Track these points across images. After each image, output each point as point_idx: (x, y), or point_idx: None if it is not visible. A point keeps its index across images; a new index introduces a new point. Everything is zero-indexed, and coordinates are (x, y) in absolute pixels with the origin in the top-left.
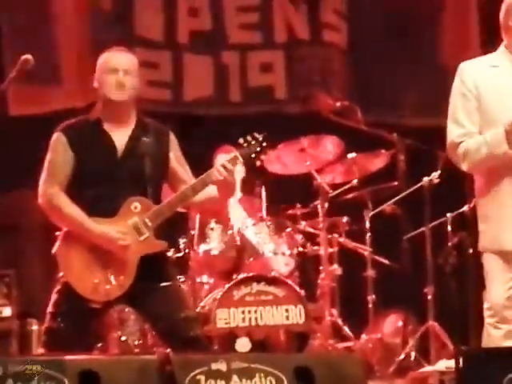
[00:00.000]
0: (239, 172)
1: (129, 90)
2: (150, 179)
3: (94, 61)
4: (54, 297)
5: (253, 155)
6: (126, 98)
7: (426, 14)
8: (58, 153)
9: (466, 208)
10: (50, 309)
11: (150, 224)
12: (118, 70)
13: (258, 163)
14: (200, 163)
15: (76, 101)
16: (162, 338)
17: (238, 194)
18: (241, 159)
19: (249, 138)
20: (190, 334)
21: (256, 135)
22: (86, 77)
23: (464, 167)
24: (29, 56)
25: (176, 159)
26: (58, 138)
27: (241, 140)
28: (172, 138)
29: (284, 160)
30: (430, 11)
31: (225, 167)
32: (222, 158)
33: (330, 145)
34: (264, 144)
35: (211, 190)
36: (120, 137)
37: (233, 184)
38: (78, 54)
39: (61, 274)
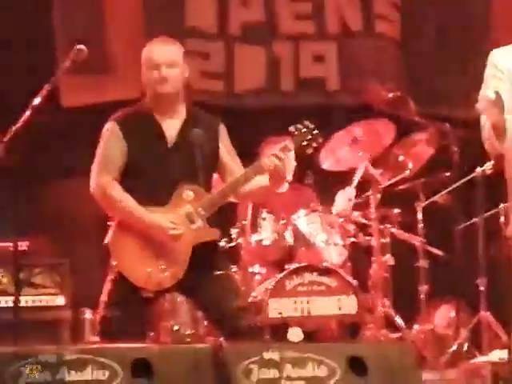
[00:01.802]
0: (290, 161)
1: (173, 83)
2: (201, 169)
3: None
4: (107, 286)
5: (304, 143)
6: (170, 91)
7: (478, 5)
8: (111, 142)
9: None
10: (103, 298)
11: (202, 213)
12: (160, 64)
13: (310, 151)
14: (250, 153)
15: (128, 91)
16: (215, 326)
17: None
18: (291, 147)
19: (300, 126)
20: (242, 324)
21: (307, 123)
22: (138, 67)
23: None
24: (82, 46)
25: (226, 150)
26: (111, 128)
27: (292, 128)
28: (222, 128)
29: (337, 153)
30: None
31: (276, 156)
32: (268, 151)
33: (382, 129)
34: (315, 132)
35: (262, 180)
36: (171, 127)
37: (284, 173)
38: (130, 44)
39: (114, 263)
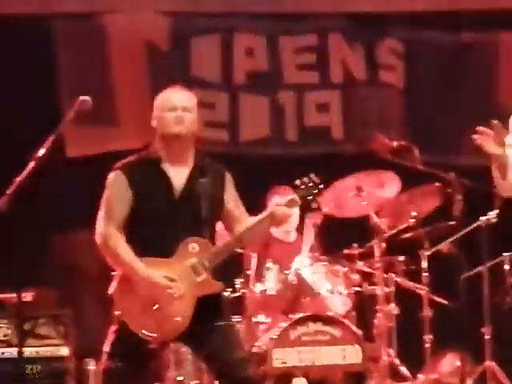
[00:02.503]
0: (295, 213)
1: (188, 126)
2: (207, 220)
3: (151, 101)
4: (110, 336)
5: (309, 197)
6: (184, 132)
7: (482, 55)
8: (116, 191)
9: None
10: (107, 348)
11: (207, 265)
12: (177, 107)
13: (315, 205)
14: (256, 203)
15: (133, 142)
16: (217, 377)
17: (293, 236)
18: (298, 201)
19: (306, 179)
20: (244, 374)
21: (313, 177)
22: (142, 118)
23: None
24: (86, 97)
25: (231, 199)
26: (116, 176)
27: (297, 182)
28: (228, 178)
29: (340, 201)
30: (485, 53)
31: (282, 209)
32: (275, 200)
33: (387, 181)
34: (321, 186)
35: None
36: (178, 177)
37: (285, 221)
38: (134, 95)
39: (117, 314)
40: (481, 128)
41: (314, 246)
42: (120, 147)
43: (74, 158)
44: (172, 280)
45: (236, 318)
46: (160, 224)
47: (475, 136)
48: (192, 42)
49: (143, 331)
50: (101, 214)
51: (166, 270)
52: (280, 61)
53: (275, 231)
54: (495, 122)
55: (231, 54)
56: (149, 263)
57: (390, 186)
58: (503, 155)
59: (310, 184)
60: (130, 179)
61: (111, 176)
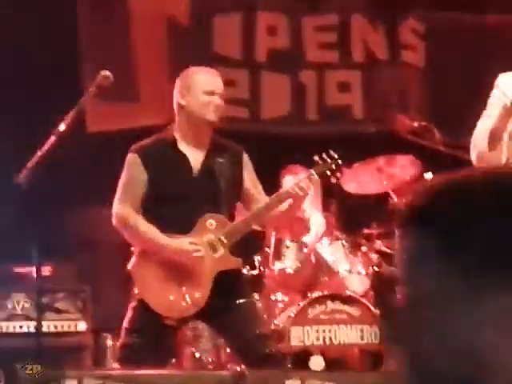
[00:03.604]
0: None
1: (220, 113)
2: (225, 199)
3: (172, 77)
4: (129, 313)
5: (328, 173)
6: (216, 120)
7: (506, 37)
8: (133, 174)
9: None
10: (125, 324)
11: (225, 241)
12: (216, 92)
13: (334, 181)
14: (274, 181)
15: (154, 118)
16: (237, 354)
17: (314, 211)
18: (316, 177)
19: (324, 155)
20: (264, 351)
21: (331, 153)
22: (163, 94)
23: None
24: (107, 72)
25: (249, 179)
26: (132, 160)
27: (316, 157)
28: (246, 158)
29: (360, 179)
30: (509, 35)
31: (300, 186)
32: (288, 180)
33: (406, 164)
34: (339, 162)
35: (282, 206)
36: (195, 157)
37: (303, 201)
38: (155, 71)
39: (136, 291)
40: None
41: (331, 225)
42: (140, 123)
43: (94, 133)
44: (196, 244)
45: (254, 296)
46: (178, 203)
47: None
48: (214, 19)
49: (162, 308)
50: (117, 196)
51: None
52: (302, 39)
53: None
54: None
55: (253, 31)
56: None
57: (410, 168)
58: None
59: (329, 160)
60: (145, 162)
61: (128, 159)
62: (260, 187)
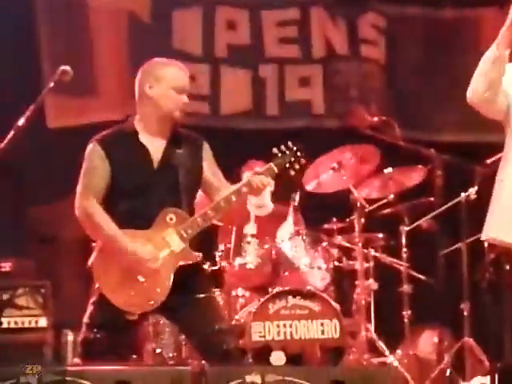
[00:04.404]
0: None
1: (184, 110)
2: (185, 190)
3: (132, 73)
4: (89, 308)
5: (287, 165)
6: (181, 117)
7: (463, 31)
8: (94, 164)
9: None
10: (85, 320)
11: (185, 235)
12: (185, 90)
13: (292, 173)
14: (235, 176)
15: (114, 113)
16: (197, 350)
17: (270, 206)
18: (275, 169)
19: (283, 148)
20: (224, 347)
21: (290, 145)
22: (124, 89)
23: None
24: (67, 67)
25: (209, 169)
26: (93, 149)
27: (275, 150)
28: (206, 147)
29: (321, 176)
30: (467, 29)
31: (259, 178)
32: (247, 175)
33: (366, 156)
34: (298, 154)
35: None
36: (155, 148)
37: (262, 192)
38: (116, 66)
39: (96, 286)
40: None
41: (296, 220)
42: (100, 118)
43: (54, 129)
44: (155, 253)
45: (215, 291)
46: (139, 195)
47: None
48: (174, 14)
49: (122, 303)
50: (79, 188)
51: (145, 241)
52: (262, 34)
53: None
54: None
55: (213, 26)
56: (128, 234)
57: (370, 160)
58: None
59: (288, 152)
60: (107, 152)
61: (89, 149)
62: (220, 175)
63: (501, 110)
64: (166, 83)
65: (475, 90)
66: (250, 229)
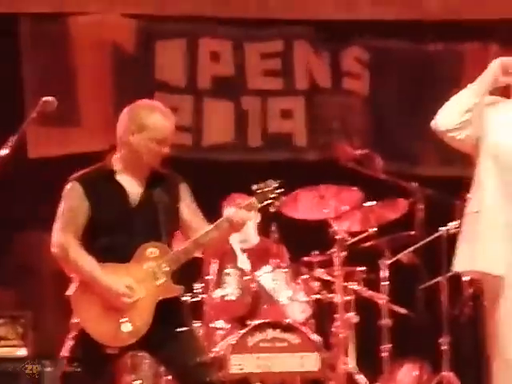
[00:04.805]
0: (253, 218)
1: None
2: (164, 227)
3: (116, 103)
4: (69, 341)
5: (267, 202)
6: (158, 164)
7: (447, 65)
8: (73, 201)
9: None
10: (66, 353)
11: (166, 269)
12: (167, 142)
13: (272, 210)
14: (217, 208)
15: (95, 143)
16: (178, 382)
17: (255, 239)
18: (256, 205)
19: (263, 184)
20: (205, 380)
21: (270, 182)
22: (107, 120)
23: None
24: (50, 98)
25: (187, 208)
26: (72, 187)
27: (255, 187)
28: (183, 187)
29: (301, 205)
30: (450, 63)
31: (239, 213)
32: (228, 210)
33: (348, 193)
34: (279, 191)
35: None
36: (134, 187)
37: (242, 227)
38: (98, 97)
39: (76, 319)
40: None
41: (278, 252)
42: (82, 149)
43: (35, 159)
44: (131, 288)
45: (195, 323)
46: (117, 232)
47: None
48: (158, 45)
49: (102, 337)
50: (57, 225)
51: (125, 275)
52: (245, 66)
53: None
54: None
55: (196, 58)
56: (107, 268)
57: (353, 201)
58: None
59: (267, 189)
60: (85, 190)
61: (68, 187)
62: (200, 215)
63: (468, 142)
64: (148, 134)
65: (446, 117)
66: (243, 263)
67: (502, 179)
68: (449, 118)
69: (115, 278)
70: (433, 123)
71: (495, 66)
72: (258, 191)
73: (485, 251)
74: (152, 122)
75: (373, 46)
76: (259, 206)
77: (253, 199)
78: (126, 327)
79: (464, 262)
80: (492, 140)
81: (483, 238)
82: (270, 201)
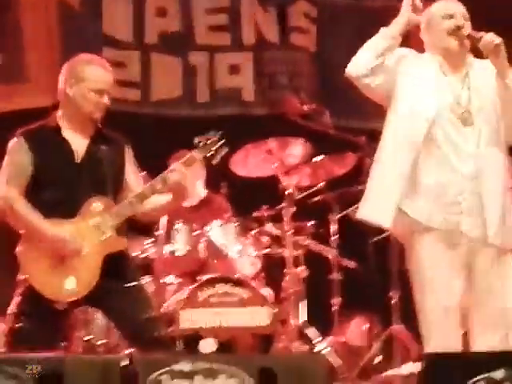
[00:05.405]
0: (199, 173)
1: (104, 110)
2: (110, 182)
3: (62, 60)
4: (16, 298)
5: (209, 154)
6: (100, 116)
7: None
8: (18, 156)
9: None
10: (12, 309)
11: (111, 223)
12: (105, 91)
13: (215, 162)
14: (164, 163)
15: (42, 99)
16: (126, 338)
17: (203, 193)
18: (197, 159)
19: (204, 137)
20: (153, 335)
21: (212, 134)
22: (53, 75)
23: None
24: None
25: (131, 172)
26: (18, 143)
27: (196, 140)
28: (128, 150)
29: (250, 162)
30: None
31: (173, 175)
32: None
33: (297, 148)
34: (220, 143)
35: (164, 197)
36: (79, 144)
37: (185, 187)
38: (45, 53)
39: (24, 277)
40: None
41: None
42: (29, 105)
43: None
44: (75, 235)
45: (145, 279)
46: (62, 188)
47: None
48: (104, 1)
49: (50, 293)
50: (2, 179)
51: (71, 228)
52: (192, 21)
53: None
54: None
55: (143, 13)
56: (53, 224)
57: (300, 151)
58: None
59: (209, 141)
60: (30, 145)
61: (12, 142)
62: (141, 181)
63: (379, 92)
64: (86, 85)
65: (358, 62)
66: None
67: (401, 133)
68: (361, 63)
69: (61, 229)
70: (346, 69)
71: (405, 4)
72: (200, 144)
73: (374, 202)
74: (89, 73)
75: (320, 1)
76: (201, 158)
77: (193, 152)
78: (71, 283)
79: (361, 210)
80: (398, 96)
81: (375, 187)
82: (212, 153)
